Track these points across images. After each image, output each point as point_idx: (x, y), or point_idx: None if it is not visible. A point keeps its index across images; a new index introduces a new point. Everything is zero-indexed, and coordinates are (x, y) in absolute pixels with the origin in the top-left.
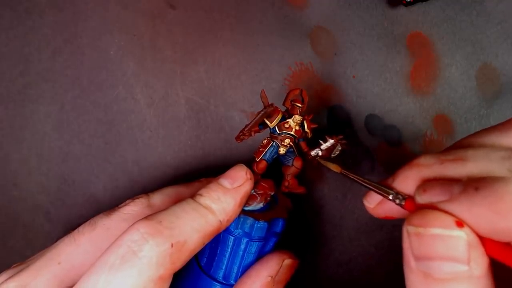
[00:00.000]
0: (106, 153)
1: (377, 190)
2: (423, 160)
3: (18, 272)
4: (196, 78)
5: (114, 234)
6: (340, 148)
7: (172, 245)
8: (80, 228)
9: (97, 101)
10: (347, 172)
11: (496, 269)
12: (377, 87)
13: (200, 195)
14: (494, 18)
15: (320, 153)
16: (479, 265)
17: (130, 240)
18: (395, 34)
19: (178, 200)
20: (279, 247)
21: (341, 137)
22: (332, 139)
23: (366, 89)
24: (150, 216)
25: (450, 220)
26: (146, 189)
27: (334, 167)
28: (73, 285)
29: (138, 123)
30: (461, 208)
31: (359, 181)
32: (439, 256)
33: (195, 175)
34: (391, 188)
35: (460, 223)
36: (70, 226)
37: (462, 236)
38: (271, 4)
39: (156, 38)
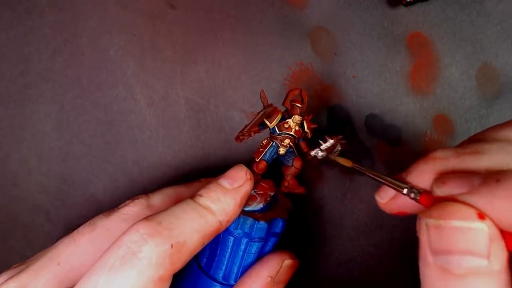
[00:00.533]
0: (106, 153)
1: (390, 185)
2: (440, 153)
3: (18, 273)
4: (196, 78)
5: (114, 234)
6: (339, 148)
7: (171, 246)
8: (80, 229)
9: (97, 101)
10: (359, 166)
11: None
12: (377, 87)
13: (200, 195)
14: (494, 18)
15: (320, 153)
16: (499, 260)
17: (130, 240)
18: (395, 34)
19: (177, 201)
20: (279, 247)
21: (341, 137)
22: (331, 139)
23: (366, 89)
24: (149, 216)
25: (472, 212)
26: (146, 189)
27: (345, 162)
28: (73, 285)
29: (138, 123)
30: (482, 200)
31: (371, 175)
32: (459, 250)
33: (195, 175)
34: (406, 182)
35: (482, 215)
36: (70, 226)
37: (484, 228)
38: (271, 4)
39: (156, 38)
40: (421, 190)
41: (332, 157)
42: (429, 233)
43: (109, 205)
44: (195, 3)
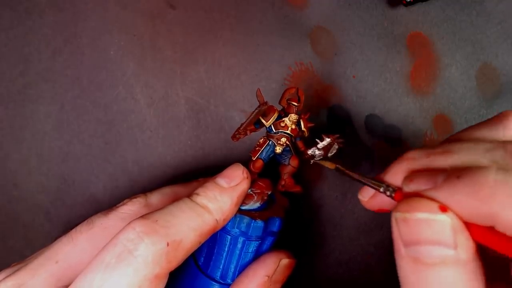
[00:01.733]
0: (106, 153)
1: (369, 184)
2: (411, 154)
3: (16, 271)
4: (196, 78)
5: (112, 233)
6: (337, 147)
7: (168, 244)
8: (78, 227)
9: (97, 101)
10: (342, 168)
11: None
12: (377, 87)
13: (197, 194)
14: (494, 18)
15: (317, 152)
16: (465, 249)
17: (126, 239)
18: (395, 34)
19: (175, 200)
20: (278, 246)
21: (338, 136)
22: (329, 138)
23: (366, 89)
24: (146, 215)
25: (434, 205)
26: (146, 189)
27: (329, 164)
28: (70, 283)
29: (138, 123)
30: (444, 195)
31: (353, 176)
32: (426, 240)
33: (195, 175)
34: (383, 182)
35: (443, 208)
36: (70, 226)
37: (446, 220)
38: (271, 4)
39: (156, 38)
40: (396, 188)
41: (315, 161)
42: (398, 226)
43: (109, 205)
44: (195, 3)
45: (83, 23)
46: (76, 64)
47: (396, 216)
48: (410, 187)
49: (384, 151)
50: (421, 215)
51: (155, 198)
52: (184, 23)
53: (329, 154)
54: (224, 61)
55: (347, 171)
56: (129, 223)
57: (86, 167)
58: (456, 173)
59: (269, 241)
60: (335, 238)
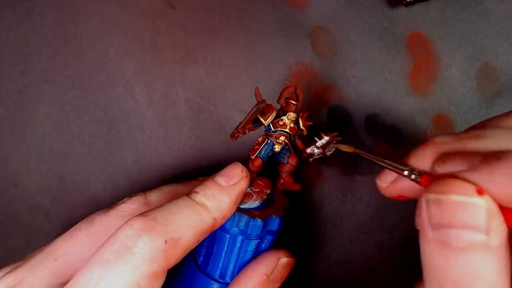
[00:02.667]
0: (106, 153)
1: (391, 168)
2: (440, 138)
3: (15, 268)
4: (196, 78)
5: (111, 231)
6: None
7: (166, 242)
8: (78, 225)
9: (97, 101)
10: (360, 152)
11: None
12: (377, 87)
13: (196, 192)
14: (494, 18)
15: (315, 151)
16: (497, 235)
17: (125, 236)
18: (395, 34)
19: (175, 198)
20: (278, 246)
21: (336, 134)
22: (327, 136)
23: (366, 89)
24: (145, 212)
25: (471, 188)
26: (146, 189)
27: (347, 148)
28: (69, 280)
29: (138, 123)
30: (482, 177)
31: (372, 159)
32: (458, 224)
33: (195, 175)
34: (406, 165)
35: (480, 191)
36: (70, 226)
37: (482, 204)
38: (271, 4)
39: (156, 38)
40: (422, 172)
41: (334, 145)
42: (429, 208)
43: (109, 205)
44: (195, 3)
45: (83, 23)
46: (76, 64)
47: (428, 197)
48: (444, 168)
49: (384, 151)
50: (457, 198)
51: (154, 196)
52: (184, 23)
53: (328, 153)
54: (224, 61)
55: (365, 154)
56: (127, 220)
57: (86, 167)
58: (496, 155)
59: (268, 240)
60: (335, 238)
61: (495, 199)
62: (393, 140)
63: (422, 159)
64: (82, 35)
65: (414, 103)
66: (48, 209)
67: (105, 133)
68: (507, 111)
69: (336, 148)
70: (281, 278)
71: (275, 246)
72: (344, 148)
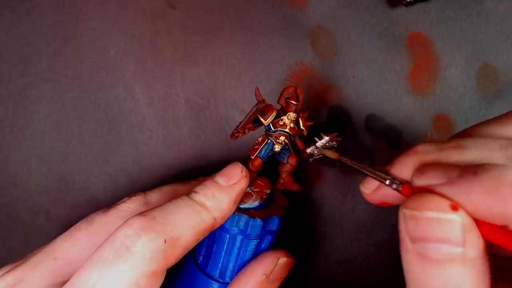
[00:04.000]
0: (106, 153)
1: (374, 176)
2: (422, 147)
3: (15, 267)
4: (196, 78)
5: (111, 230)
6: (335, 145)
7: (165, 241)
8: (77, 225)
9: (97, 101)
10: (345, 159)
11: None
12: (377, 87)
13: (195, 192)
14: (494, 18)
15: (315, 151)
16: (474, 248)
17: (124, 235)
18: (395, 34)
19: (175, 198)
20: (278, 246)
21: (336, 134)
22: (327, 136)
23: (366, 89)
24: (144, 212)
25: (445, 204)
26: (146, 189)
27: (332, 154)
28: (69, 279)
29: (138, 123)
30: (458, 191)
31: (356, 167)
32: (434, 238)
33: (195, 175)
34: (388, 174)
35: (454, 207)
36: (70, 226)
37: (456, 219)
38: (271, 4)
39: (156, 38)
40: (403, 181)
41: (319, 149)
42: (406, 222)
43: (108, 205)
44: (195, 3)
45: (83, 23)
46: (76, 64)
47: (405, 213)
48: (422, 181)
49: (384, 151)
50: (431, 214)
51: (154, 196)
52: (184, 23)
53: (321, 149)
54: (224, 61)
55: (350, 162)
56: (127, 220)
57: (86, 167)
58: (472, 169)
59: (267, 240)
60: (335, 238)
61: (470, 214)
62: (393, 140)
63: (404, 168)
64: (82, 35)
65: (414, 103)
66: (48, 209)
67: (105, 133)
68: (507, 111)
69: (336, 147)
70: (281, 278)
71: (274, 246)
72: (330, 154)
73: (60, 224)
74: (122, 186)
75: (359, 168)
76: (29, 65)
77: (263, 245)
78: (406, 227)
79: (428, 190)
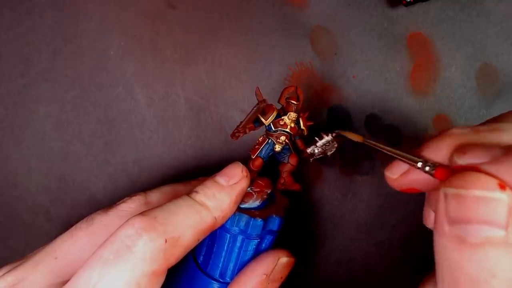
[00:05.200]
0: (106, 153)
1: (403, 159)
2: (456, 130)
3: (16, 267)
4: (196, 78)
5: (111, 230)
6: (336, 145)
7: (166, 241)
8: (78, 224)
9: (97, 101)
10: (370, 142)
11: None
12: (377, 87)
13: (196, 192)
14: (494, 18)
15: (316, 151)
16: None
17: (125, 235)
18: (395, 34)
19: (175, 198)
20: (279, 246)
21: (336, 134)
22: (328, 136)
23: (366, 89)
24: (145, 212)
25: (493, 182)
26: (146, 189)
27: (356, 137)
28: (69, 279)
29: (138, 123)
30: (504, 170)
31: (383, 149)
32: (477, 219)
33: (195, 175)
34: (420, 157)
35: (503, 186)
36: (70, 226)
37: (504, 199)
38: (271, 4)
39: (156, 38)
40: (437, 164)
41: (343, 132)
42: (447, 203)
43: (109, 205)
44: (195, 3)
45: (83, 23)
46: (76, 64)
47: (447, 191)
48: (464, 160)
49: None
50: (478, 193)
51: (155, 196)
52: (184, 23)
53: (328, 153)
54: (224, 61)
55: (376, 144)
56: (128, 219)
57: (86, 167)
58: None
59: (268, 240)
60: (336, 238)
61: None
62: (393, 140)
63: (437, 151)
64: (82, 35)
65: (414, 103)
66: (48, 209)
67: (105, 133)
68: (507, 111)
69: (336, 147)
70: (281, 277)
71: (275, 246)
72: (353, 137)
73: (60, 224)
74: (122, 186)
75: (386, 151)
76: (29, 65)
77: (263, 245)
78: (447, 208)
79: (471, 169)
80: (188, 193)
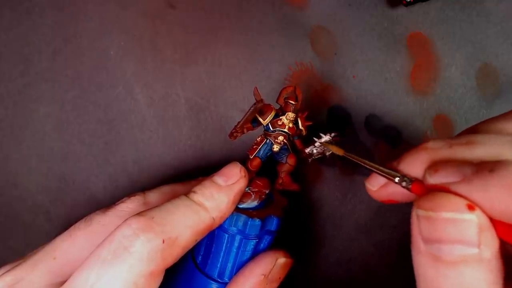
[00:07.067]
0: (106, 153)
1: (381, 173)
2: (432, 144)
3: (14, 267)
4: (196, 78)
5: (110, 230)
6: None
7: (163, 241)
8: (77, 224)
9: (97, 101)
10: (350, 155)
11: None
12: (377, 87)
13: (194, 192)
14: (494, 18)
15: (314, 151)
16: (489, 248)
17: (122, 235)
18: (395, 34)
19: (174, 198)
20: (278, 246)
21: (335, 134)
22: (326, 136)
23: (366, 89)
24: (142, 212)
25: (461, 204)
26: (146, 189)
27: (337, 150)
28: (68, 279)
29: (138, 123)
30: (474, 189)
31: (362, 163)
32: (449, 239)
33: (195, 175)
34: (397, 171)
35: (471, 206)
36: (69, 226)
37: (473, 219)
38: (271, 4)
39: (156, 38)
40: (413, 179)
41: (325, 144)
42: (420, 223)
43: (108, 205)
44: (195, 3)
45: (83, 23)
46: (76, 64)
47: (418, 213)
48: (435, 179)
49: (384, 151)
50: (446, 215)
51: (153, 196)
52: (184, 23)
53: (327, 153)
54: (224, 61)
55: (356, 158)
56: (125, 220)
57: (86, 167)
58: (488, 167)
59: (266, 240)
60: (335, 238)
61: (486, 213)
62: (393, 140)
63: (413, 165)
64: (82, 35)
65: (414, 103)
66: (48, 209)
67: (105, 133)
68: (506, 111)
69: (338, 144)
70: (279, 278)
71: (274, 246)
72: (335, 150)
73: (60, 224)
74: (122, 186)
75: (365, 165)
76: (29, 65)
77: (262, 245)
78: (420, 228)
79: (441, 189)
80: (187, 193)
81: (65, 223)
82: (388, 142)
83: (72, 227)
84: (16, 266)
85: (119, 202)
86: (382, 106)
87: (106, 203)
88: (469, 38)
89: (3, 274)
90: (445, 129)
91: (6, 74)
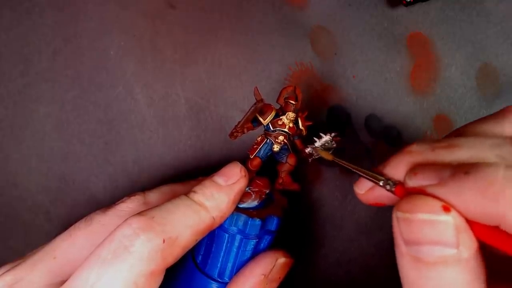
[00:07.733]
0: (106, 153)
1: (367, 177)
2: (415, 147)
3: (14, 266)
4: (196, 78)
5: (110, 230)
6: (334, 145)
7: (163, 241)
8: (77, 224)
9: (97, 101)
10: (339, 160)
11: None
12: (377, 87)
13: (194, 192)
14: (494, 18)
15: (314, 151)
16: (467, 248)
17: (122, 235)
18: (395, 34)
19: (174, 198)
20: (278, 246)
21: (335, 134)
22: (326, 136)
23: (366, 89)
24: (143, 212)
25: (437, 205)
26: (146, 189)
27: (326, 155)
28: (68, 279)
29: (138, 123)
30: (450, 192)
31: (350, 168)
32: (427, 241)
33: (195, 175)
34: (382, 174)
35: (447, 208)
36: (69, 226)
37: (449, 220)
38: (271, 4)
39: (156, 38)
40: (397, 182)
41: (314, 149)
42: (399, 225)
43: (108, 205)
44: (195, 3)
45: (83, 23)
46: (76, 64)
47: (397, 215)
48: (414, 182)
49: (384, 151)
50: (423, 216)
51: (153, 196)
52: (184, 23)
53: (315, 157)
54: (224, 61)
55: (343, 163)
56: (125, 219)
57: (86, 167)
58: (464, 169)
59: (266, 240)
60: (335, 238)
61: (462, 214)
62: (393, 140)
63: (396, 168)
64: (82, 35)
65: (414, 103)
66: (48, 209)
67: (105, 133)
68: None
69: (335, 147)
70: (279, 278)
71: (274, 246)
72: (324, 155)
73: (60, 224)
74: (122, 186)
75: (352, 169)
76: (29, 65)
77: (262, 245)
78: (400, 230)
79: (420, 191)
80: (187, 193)
81: (65, 223)
82: (388, 142)
83: (72, 227)
84: (16, 266)
85: (119, 202)
86: (382, 106)
87: (106, 203)
88: (469, 38)
89: (3, 274)
90: (445, 129)
91: (6, 74)
